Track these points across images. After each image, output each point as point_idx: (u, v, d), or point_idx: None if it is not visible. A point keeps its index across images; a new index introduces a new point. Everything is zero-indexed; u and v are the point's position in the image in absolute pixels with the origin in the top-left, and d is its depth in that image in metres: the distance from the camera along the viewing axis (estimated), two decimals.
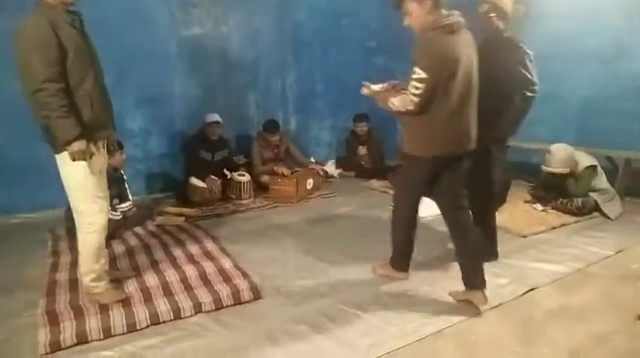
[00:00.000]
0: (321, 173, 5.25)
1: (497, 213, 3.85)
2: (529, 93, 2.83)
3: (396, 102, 2.36)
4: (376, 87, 2.52)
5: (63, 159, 2.28)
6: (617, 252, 3.22)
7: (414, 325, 2.33)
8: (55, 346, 2.12)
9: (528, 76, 2.79)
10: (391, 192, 4.81)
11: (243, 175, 4.62)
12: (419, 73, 2.23)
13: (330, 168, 5.62)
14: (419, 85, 2.24)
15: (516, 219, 3.86)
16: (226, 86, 5.08)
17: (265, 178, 4.78)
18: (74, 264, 3.03)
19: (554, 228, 3.76)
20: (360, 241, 3.47)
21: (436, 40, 2.25)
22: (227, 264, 3.00)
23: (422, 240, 3.35)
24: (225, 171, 4.64)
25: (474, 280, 2.49)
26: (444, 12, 2.30)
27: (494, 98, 2.61)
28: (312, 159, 5.45)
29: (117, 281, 2.69)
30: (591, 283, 2.81)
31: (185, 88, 4.77)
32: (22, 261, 3.12)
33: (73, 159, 2.22)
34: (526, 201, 4.32)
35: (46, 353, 2.08)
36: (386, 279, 2.80)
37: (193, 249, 3.29)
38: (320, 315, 2.42)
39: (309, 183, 4.79)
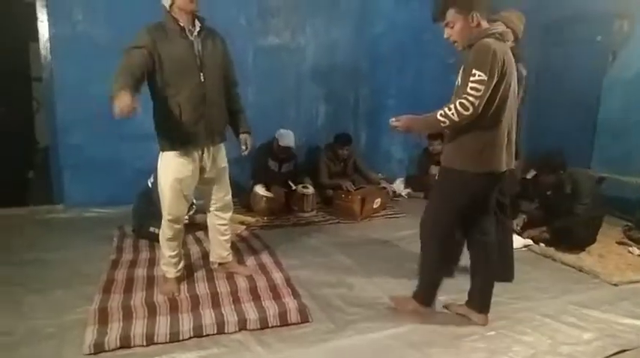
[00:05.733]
0: (389, 191, 5.02)
1: (584, 254, 3.47)
2: None
3: (449, 110, 2.10)
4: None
5: (160, 157, 2.53)
6: None
7: None
8: (99, 347, 2.11)
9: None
10: None
11: (307, 188, 4.53)
12: (480, 74, 2.06)
13: (399, 186, 5.37)
14: (479, 86, 2.06)
15: (607, 263, 3.38)
16: (298, 97, 5.05)
17: (330, 192, 4.66)
18: (134, 263, 3.10)
19: None
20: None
21: (493, 44, 2.10)
22: (279, 279, 2.89)
23: None
24: (290, 183, 4.57)
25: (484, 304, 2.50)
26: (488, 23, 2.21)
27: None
28: (381, 176, 5.24)
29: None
30: None
31: (258, 97, 4.78)
32: (87, 255, 3.23)
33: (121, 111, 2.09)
34: (619, 243, 3.80)
35: (89, 354, 2.08)
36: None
37: (249, 260, 3.22)
38: (369, 349, 2.22)
39: (377, 202, 4.58)
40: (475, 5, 2.15)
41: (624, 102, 4.58)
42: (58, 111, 4.21)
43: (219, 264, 2.96)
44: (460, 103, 2.08)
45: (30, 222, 4.02)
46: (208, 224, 2.87)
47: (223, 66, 2.60)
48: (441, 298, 2.64)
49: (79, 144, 4.23)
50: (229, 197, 2.81)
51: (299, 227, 4.14)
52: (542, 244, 3.69)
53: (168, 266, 2.71)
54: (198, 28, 2.45)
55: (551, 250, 3.59)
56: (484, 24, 2.19)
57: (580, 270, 3.24)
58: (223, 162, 2.70)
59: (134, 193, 3.67)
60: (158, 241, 3.39)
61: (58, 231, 3.79)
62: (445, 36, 2.26)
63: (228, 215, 2.86)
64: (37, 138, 6.31)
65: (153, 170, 3.54)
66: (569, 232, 3.55)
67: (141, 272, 2.94)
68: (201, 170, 2.58)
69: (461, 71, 2.21)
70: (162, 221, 2.60)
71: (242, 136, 2.77)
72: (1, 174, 4.56)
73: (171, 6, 2.39)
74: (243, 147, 2.77)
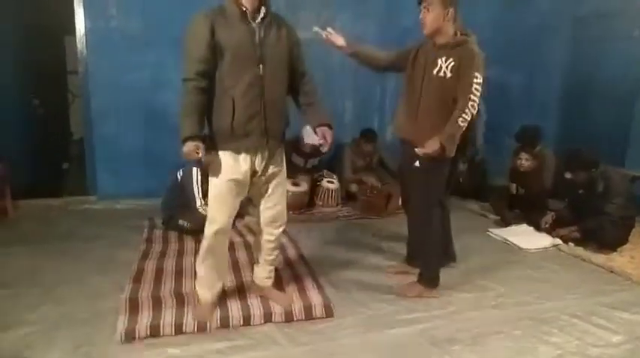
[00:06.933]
0: None
1: (615, 255, 3.39)
2: None
3: (465, 115, 2.41)
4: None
5: None
6: None
7: None
8: (130, 335, 2.19)
9: None
10: (491, 216, 4.47)
11: (332, 182, 4.54)
12: (480, 77, 2.42)
13: None
14: (480, 88, 2.42)
15: (639, 264, 3.29)
16: (325, 91, 5.01)
17: (354, 187, 4.66)
18: (163, 254, 3.18)
19: None
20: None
21: (479, 50, 2.48)
22: (305, 273, 2.93)
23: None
24: (315, 177, 4.60)
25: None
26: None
27: None
28: None
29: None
30: None
31: None
32: (118, 245, 3.33)
33: (184, 157, 2.11)
34: None
35: (121, 341, 2.16)
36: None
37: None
38: (391, 345, 2.24)
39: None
40: (454, 3, 2.48)
41: None
42: (92, 103, 4.33)
43: (256, 285, 2.60)
44: (471, 105, 2.41)
45: (64, 212, 4.17)
46: (256, 238, 2.55)
47: (289, 59, 2.26)
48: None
49: (112, 136, 4.36)
50: (281, 208, 2.39)
51: (324, 222, 4.16)
52: (571, 244, 3.61)
53: (203, 288, 2.38)
54: (262, 14, 2.13)
55: (580, 250, 3.51)
56: (453, 26, 2.51)
57: (611, 271, 3.17)
58: (278, 166, 2.33)
59: (165, 185, 3.76)
60: (187, 233, 3.52)
61: (91, 222, 3.91)
62: (420, 16, 2.54)
63: (279, 231, 2.44)
64: (72, 129, 6.53)
65: (183, 163, 3.64)
66: (600, 232, 3.47)
67: (170, 263, 3.02)
68: (253, 174, 2.26)
69: (444, 63, 2.48)
70: (206, 232, 2.27)
71: (319, 129, 2.33)
72: (37, 166, 4.74)
73: None
74: (322, 141, 2.33)
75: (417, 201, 2.76)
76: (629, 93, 4.67)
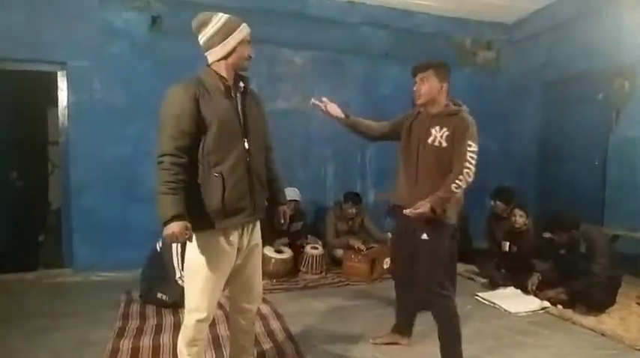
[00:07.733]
0: None
1: (605, 316, 3.34)
2: None
3: (460, 181, 2.42)
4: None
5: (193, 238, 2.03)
6: None
7: None
8: None
9: None
10: (478, 279, 4.42)
11: (316, 248, 4.48)
12: (474, 146, 2.46)
13: None
14: (475, 156, 2.45)
15: (629, 325, 3.24)
16: (307, 158, 5.12)
17: (339, 252, 4.60)
18: (140, 331, 3.03)
19: None
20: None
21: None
22: (289, 348, 2.80)
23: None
24: (298, 243, 4.54)
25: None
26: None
27: None
28: (390, 235, 5.18)
29: None
30: None
31: None
32: (92, 322, 3.17)
33: (169, 240, 1.91)
34: None
35: None
36: None
37: (256, 326, 3.13)
38: None
39: (387, 261, 4.50)
40: (447, 78, 2.61)
41: (631, 159, 4.58)
42: (72, 173, 4.30)
43: None
44: (466, 172, 2.43)
45: (39, 286, 4.00)
46: (230, 318, 2.40)
47: (263, 130, 2.25)
48: None
49: (90, 207, 4.29)
50: (258, 281, 2.29)
51: (308, 290, 4.05)
52: (559, 306, 3.56)
53: None
54: (241, 88, 2.12)
55: (569, 312, 3.46)
56: (446, 98, 2.62)
57: (602, 335, 3.11)
58: (257, 238, 2.24)
59: (143, 256, 3.65)
60: (166, 307, 3.37)
61: (66, 297, 3.75)
62: (415, 88, 2.63)
63: (255, 306, 2.32)
64: (50, 200, 6.41)
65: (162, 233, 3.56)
66: (588, 293, 3.44)
67: (147, 340, 2.87)
68: (238, 250, 2.13)
69: (438, 132, 2.53)
70: (187, 320, 2.06)
71: (280, 208, 2.39)
72: (13, 238, 4.58)
73: (219, 60, 2.04)
74: (282, 221, 2.41)
75: (423, 276, 2.57)
76: (601, 154, 4.83)
